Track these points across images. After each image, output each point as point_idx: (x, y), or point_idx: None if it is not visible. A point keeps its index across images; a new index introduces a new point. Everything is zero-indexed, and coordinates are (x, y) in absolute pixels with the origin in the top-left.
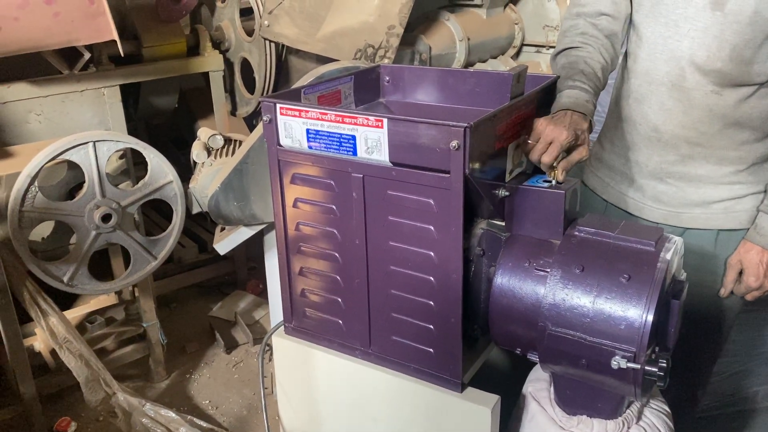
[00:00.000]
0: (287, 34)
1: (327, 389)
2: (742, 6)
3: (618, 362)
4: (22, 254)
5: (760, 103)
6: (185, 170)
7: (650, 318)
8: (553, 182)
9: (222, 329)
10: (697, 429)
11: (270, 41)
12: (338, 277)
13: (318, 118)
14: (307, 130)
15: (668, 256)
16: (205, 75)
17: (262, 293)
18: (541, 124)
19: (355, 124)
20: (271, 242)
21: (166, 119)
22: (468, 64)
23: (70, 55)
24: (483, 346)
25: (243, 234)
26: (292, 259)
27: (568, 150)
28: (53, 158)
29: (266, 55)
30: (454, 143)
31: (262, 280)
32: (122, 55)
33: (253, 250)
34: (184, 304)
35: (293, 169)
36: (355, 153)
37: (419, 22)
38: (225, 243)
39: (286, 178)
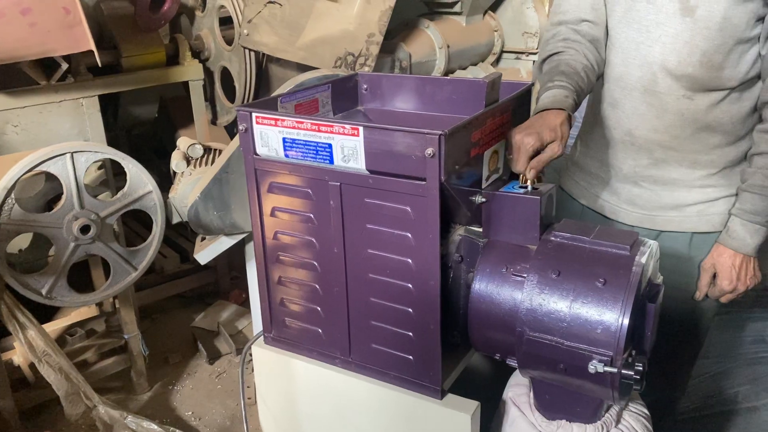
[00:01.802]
0: (267, 43)
1: (307, 399)
2: (711, 12)
3: (595, 366)
4: (0, 267)
5: (731, 107)
6: (167, 180)
7: (626, 322)
8: (529, 188)
9: (205, 339)
10: (678, 431)
11: (250, 50)
12: (317, 286)
13: (294, 127)
14: (284, 139)
15: (643, 260)
16: (186, 84)
17: (245, 303)
18: (512, 134)
19: (332, 132)
20: (252, 252)
21: (147, 129)
22: (448, 71)
23: (47, 65)
24: (463, 352)
25: (224, 244)
26: (271, 269)
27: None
28: (30, 170)
29: (246, 63)
30: (429, 151)
31: (244, 290)
32: (100, 65)
33: (235, 259)
34: (167, 314)
35: (270, 178)
36: (331, 161)
37: (399, 30)
38: (205, 253)
39: (263, 187)
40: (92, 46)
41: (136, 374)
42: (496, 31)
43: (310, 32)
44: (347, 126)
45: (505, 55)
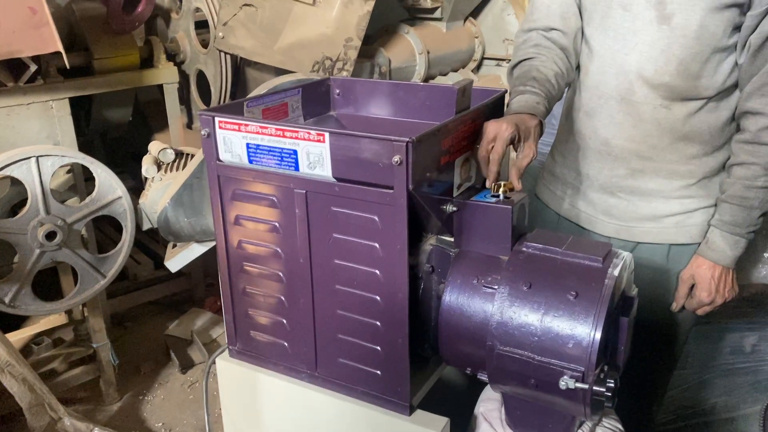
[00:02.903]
0: (243, 46)
1: (273, 413)
2: (688, 20)
3: (566, 382)
4: None
5: (709, 117)
6: (143, 185)
7: (598, 336)
8: (501, 197)
9: (177, 348)
10: None
11: (226, 53)
12: (282, 298)
13: (258, 132)
14: (248, 145)
15: (616, 273)
16: (161, 87)
17: (220, 311)
18: (485, 126)
19: (297, 138)
20: None
21: (122, 132)
22: (428, 77)
23: (15, 66)
24: (434, 366)
25: (195, 251)
26: (235, 279)
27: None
28: None
29: (222, 67)
30: (396, 158)
31: (219, 298)
32: (68, 67)
33: (210, 266)
34: (139, 322)
35: (234, 185)
36: (297, 168)
37: (379, 35)
38: (176, 260)
39: (226, 195)
40: (60, 47)
41: (105, 384)
42: (476, 37)
43: (288, 36)
44: (312, 132)
45: (485, 61)
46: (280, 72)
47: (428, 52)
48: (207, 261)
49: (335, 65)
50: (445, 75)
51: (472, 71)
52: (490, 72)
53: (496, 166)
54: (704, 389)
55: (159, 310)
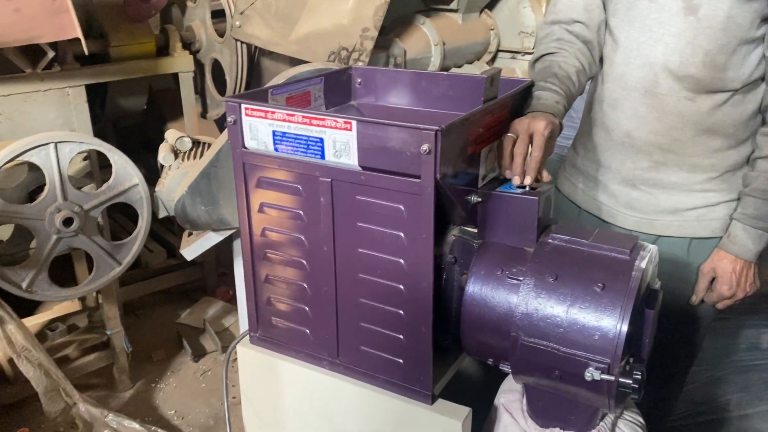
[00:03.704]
0: (259, 35)
1: (294, 401)
2: (715, 11)
3: (591, 374)
4: None
5: (734, 110)
6: (154, 173)
7: (625, 328)
8: (527, 188)
9: (190, 337)
10: None
11: (242, 42)
12: (305, 285)
13: (285, 120)
14: (273, 132)
15: (643, 265)
16: (176, 76)
17: (232, 300)
18: (520, 120)
19: (323, 126)
20: (240, 248)
21: (135, 121)
22: (443, 68)
23: (33, 53)
24: (454, 357)
25: (211, 239)
26: (258, 266)
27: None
28: (11, 159)
29: (237, 56)
30: (424, 147)
31: (232, 287)
32: (86, 53)
33: (223, 255)
34: (152, 310)
35: (259, 172)
36: (323, 156)
37: (394, 25)
38: (192, 248)
39: (251, 182)
40: (79, 34)
41: (118, 371)
42: (492, 29)
43: (304, 26)
44: (340, 120)
45: (500, 54)
46: (294, 62)
47: (444, 44)
48: (219, 250)
49: (351, 56)
50: (459, 67)
51: (486, 63)
52: (505, 65)
53: (536, 163)
54: (719, 385)
55: (171, 298)
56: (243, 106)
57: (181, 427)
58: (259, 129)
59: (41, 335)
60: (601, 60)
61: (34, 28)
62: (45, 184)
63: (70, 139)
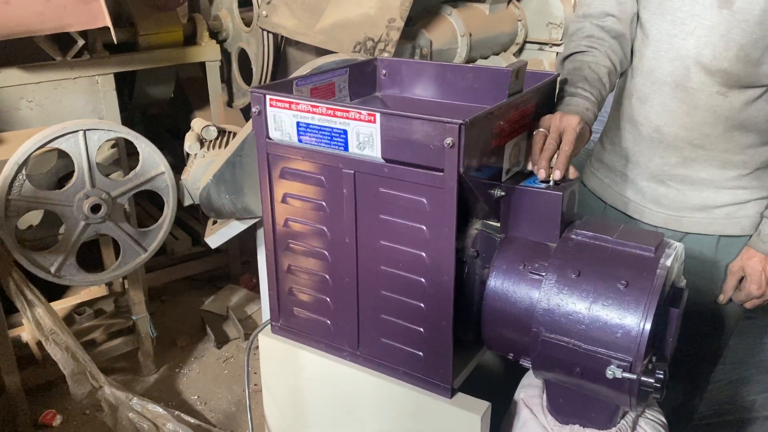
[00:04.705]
0: (286, 25)
1: (313, 390)
2: (751, 4)
3: (613, 372)
4: (9, 243)
5: (767, 105)
6: (181, 162)
7: (648, 326)
8: (551, 182)
9: (213, 323)
10: None
11: (268, 32)
12: (327, 276)
13: (309, 111)
14: (298, 123)
15: (668, 263)
16: (202, 65)
17: (255, 288)
18: (552, 115)
19: (347, 118)
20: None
21: (162, 109)
22: (469, 60)
23: (63, 41)
24: (474, 351)
25: (235, 228)
26: (280, 257)
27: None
28: (42, 146)
29: (264, 46)
30: (448, 140)
31: (255, 275)
32: (116, 42)
33: (246, 244)
34: (176, 297)
35: (282, 163)
36: (346, 148)
37: (421, 16)
38: (216, 236)
39: (275, 173)
40: (108, 23)
41: (143, 356)
42: (519, 20)
43: (330, 16)
44: (363, 112)
45: (527, 45)
46: (320, 52)
47: (470, 35)
48: (243, 239)
49: (376, 46)
50: (486, 58)
51: (513, 55)
52: (532, 56)
53: (565, 157)
54: (744, 385)
55: (195, 285)
56: (267, 96)
57: (204, 413)
58: (284, 120)
59: (68, 319)
60: (631, 54)
61: (64, 17)
62: (74, 171)
63: (99, 126)
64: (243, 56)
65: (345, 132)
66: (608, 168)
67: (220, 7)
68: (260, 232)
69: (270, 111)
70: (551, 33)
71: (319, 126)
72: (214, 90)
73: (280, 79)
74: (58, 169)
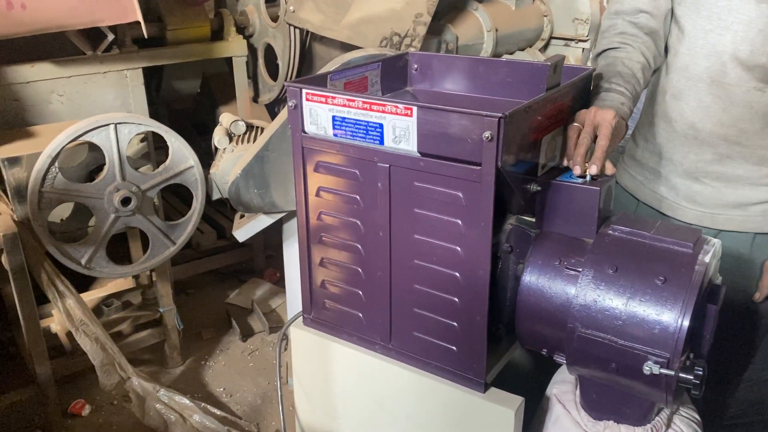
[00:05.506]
0: (312, 20)
1: (345, 383)
2: None
3: (650, 368)
4: (41, 235)
5: None
6: (206, 156)
7: (686, 323)
8: (588, 177)
9: (238, 317)
10: None
11: (294, 27)
12: (360, 270)
13: (345, 105)
14: (333, 117)
15: (706, 259)
16: (228, 60)
17: (279, 282)
18: (586, 110)
19: (383, 111)
20: (289, 231)
21: (188, 104)
22: (495, 55)
23: (93, 36)
24: (507, 346)
25: (262, 222)
26: (313, 249)
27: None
28: (74, 139)
29: (290, 41)
30: (487, 134)
31: (279, 269)
32: (146, 37)
33: (271, 238)
34: (201, 290)
35: (317, 156)
36: (381, 142)
37: (447, 11)
38: (244, 230)
39: (309, 166)
40: (139, 17)
41: (169, 348)
42: (545, 16)
43: (356, 11)
44: (400, 105)
45: (553, 41)
46: (346, 47)
47: (497, 30)
48: (268, 233)
49: (403, 41)
50: (511, 54)
51: (539, 51)
52: (558, 52)
53: (602, 152)
54: None
55: (220, 278)
56: (304, 90)
57: (230, 405)
58: (319, 114)
59: (97, 311)
60: (665, 50)
61: (96, 11)
62: (104, 164)
63: (130, 120)
64: (269, 51)
65: (381, 126)
66: (641, 165)
67: (246, 3)
68: (286, 227)
69: (306, 105)
70: (577, 29)
71: (354, 120)
72: (241, 85)
73: (304, 74)
74: (89, 163)
